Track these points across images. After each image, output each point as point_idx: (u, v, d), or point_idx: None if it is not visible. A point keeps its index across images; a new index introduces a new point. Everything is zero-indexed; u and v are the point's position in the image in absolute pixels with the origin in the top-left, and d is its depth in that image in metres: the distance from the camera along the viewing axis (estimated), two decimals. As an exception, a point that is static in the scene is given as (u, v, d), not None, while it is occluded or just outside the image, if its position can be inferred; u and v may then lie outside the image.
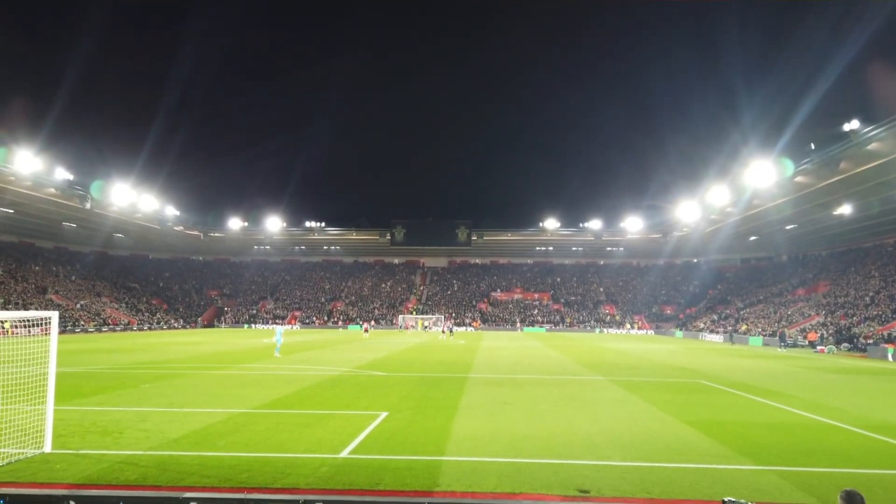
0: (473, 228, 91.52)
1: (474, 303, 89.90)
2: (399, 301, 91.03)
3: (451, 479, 9.15)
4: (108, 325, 67.14)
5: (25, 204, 62.02)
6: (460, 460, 10.28)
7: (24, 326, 16.14)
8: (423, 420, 13.84)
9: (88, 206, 63.26)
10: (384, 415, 14.33)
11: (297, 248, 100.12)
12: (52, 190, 58.56)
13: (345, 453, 10.62)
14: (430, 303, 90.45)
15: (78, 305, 68.38)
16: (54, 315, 11.33)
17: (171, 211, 76.22)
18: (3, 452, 9.82)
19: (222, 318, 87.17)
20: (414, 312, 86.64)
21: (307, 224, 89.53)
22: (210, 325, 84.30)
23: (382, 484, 8.84)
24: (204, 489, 8.05)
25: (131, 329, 68.75)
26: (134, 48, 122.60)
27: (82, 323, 63.37)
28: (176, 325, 77.83)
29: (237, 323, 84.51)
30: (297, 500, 6.15)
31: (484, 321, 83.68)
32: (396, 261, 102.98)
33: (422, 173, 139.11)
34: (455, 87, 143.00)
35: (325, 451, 10.71)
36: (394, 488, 8.60)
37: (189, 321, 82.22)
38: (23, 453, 10.02)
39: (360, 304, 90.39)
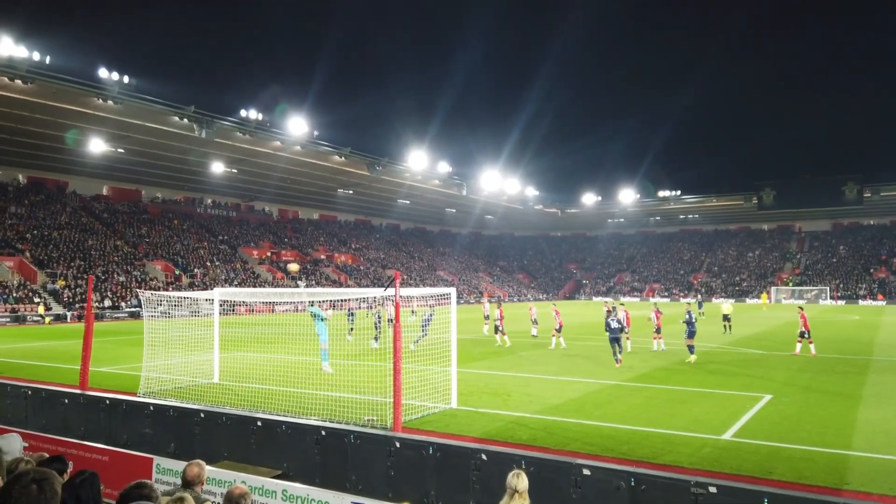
0: (866, 184, 76.70)
1: (870, 270, 75.85)
2: (770, 271, 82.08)
3: (864, 479, 7.93)
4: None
5: (417, 195, 73.54)
6: (873, 457, 8.86)
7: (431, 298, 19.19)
8: (816, 407, 12.29)
9: (465, 192, 72.09)
10: (767, 398, 13.12)
11: (651, 218, 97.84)
12: (437, 181, 68.13)
13: (727, 435, 10.04)
14: (809, 272, 79.42)
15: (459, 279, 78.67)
16: (452, 290, 13.19)
17: (532, 192, 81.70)
18: (422, 406, 11.84)
19: (581, 291, 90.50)
20: (789, 283, 77.15)
21: (661, 194, 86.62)
22: (570, 297, 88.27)
23: (776, 473, 8.11)
24: (591, 457, 8.45)
25: (504, 301, 76.17)
26: (499, 57, 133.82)
27: (465, 295, 72.57)
28: (541, 297, 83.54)
29: (596, 295, 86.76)
30: (689, 482, 6.00)
31: (885, 293, 69.99)
32: (765, 226, 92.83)
33: (792, 129, 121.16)
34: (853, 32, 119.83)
35: (705, 431, 10.28)
36: (791, 479, 7.82)
37: (551, 293, 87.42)
38: (436, 407, 11.93)
39: (723, 275, 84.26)
